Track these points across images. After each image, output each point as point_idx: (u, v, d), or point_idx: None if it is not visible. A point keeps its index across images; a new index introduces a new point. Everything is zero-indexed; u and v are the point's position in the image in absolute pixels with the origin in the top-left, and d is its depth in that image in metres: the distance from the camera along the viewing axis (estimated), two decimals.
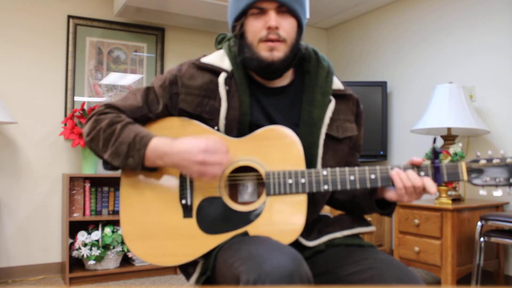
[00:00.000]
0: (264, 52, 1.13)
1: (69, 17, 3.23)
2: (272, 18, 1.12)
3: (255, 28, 1.14)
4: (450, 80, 3.05)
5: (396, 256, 2.76)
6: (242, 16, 1.16)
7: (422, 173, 1.10)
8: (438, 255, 2.52)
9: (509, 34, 2.81)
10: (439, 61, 3.26)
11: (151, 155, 1.09)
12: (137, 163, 1.10)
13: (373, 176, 1.11)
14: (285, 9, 1.13)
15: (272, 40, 1.13)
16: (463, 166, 1.09)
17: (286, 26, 1.14)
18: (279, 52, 1.14)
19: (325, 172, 1.11)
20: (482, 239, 2.44)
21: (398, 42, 3.60)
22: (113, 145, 1.12)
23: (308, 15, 3.35)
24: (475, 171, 1.09)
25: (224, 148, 1.08)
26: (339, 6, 3.77)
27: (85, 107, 3.23)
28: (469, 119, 2.69)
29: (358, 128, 1.29)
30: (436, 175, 1.09)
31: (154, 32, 3.54)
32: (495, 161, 1.08)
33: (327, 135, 1.19)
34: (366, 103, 3.49)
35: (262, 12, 1.13)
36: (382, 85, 3.55)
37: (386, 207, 1.21)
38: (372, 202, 1.19)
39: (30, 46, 3.11)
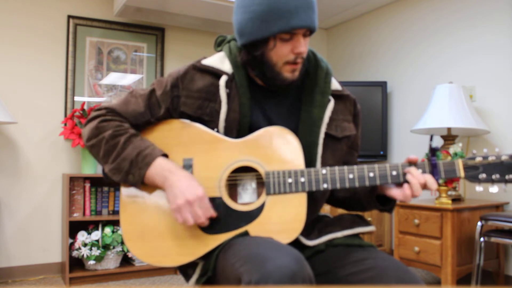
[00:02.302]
0: (287, 73, 1.15)
1: (69, 17, 3.23)
2: (302, 44, 1.12)
3: (283, 52, 1.13)
4: (450, 80, 3.05)
5: (396, 256, 2.76)
6: (270, 38, 1.12)
7: (420, 171, 1.11)
8: (438, 255, 2.52)
9: (509, 34, 2.81)
10: (439, 61, 3.26)
11: (151, 175, 1.11)
12: (136, 181, 1.12)
13: (371, 174, 1.12)
14: (308, 32, 1.14)
15: (297, 63, 1.14)
16: (459, 163, 1.11)
17: (307, 47, 1.16)
18: (298, 71, 1.17)
19: (324, 171, 1.12)
20: (482, 239, 2.44)
21: (398, 42, 3.60)
22: (114, 160, 1.13)
23: None
24: (471, 168, 1.11)
25: (209, 212, 1.08)
26: (339, 6, 3.78)
27: (85, 107, 3.23)
28: (469, 119, 2.69)
29: (356, 128, 1.30)
30: (434, 172, 1.11)
31: (154, 32, 3.54)
32: (490, 158, 1.10)
33: (326, 134, 1.20)
34: (366, 103, 3.49)
35: (292, 36, 1.12)
36: (382, 85, 3.55)
37: (386, 203, 1.21)
38: (373, 198, 1.20)
39: (30, 46, 3.11)
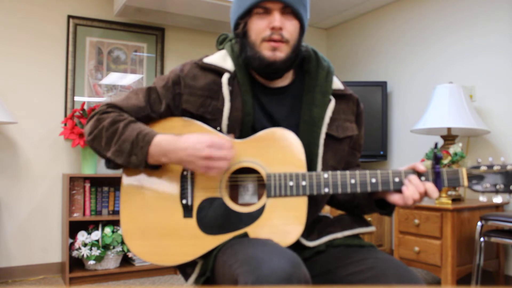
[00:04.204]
0: (266, 51, 1.14)
1: (69, 17, 3.23)
2: (277, 18, 1.12)
3: (259, 27, 1.14)
4: (450, 80, 3.05)
5: (396, 256, 2.76)
6: (246, 14, 1.16)
7: (423, 178, 1.10)
8: (438, 255, 2.52)
9: (509, 33, 2.81)
10: (439, 61, 3.26)
11: (155, 152, 1.09)
12: (140, 161, 1.10)
13: (373, 180, 1.11)
14: (289, 11, 1.14)
15: (275, 40, 1.13)
16: (463, 172, 1.09)
17: (290, 28, 1.14)
18: (282, 52, 1.14)
19: (326, 175, 1.11)
20: (482, 239, 2.44)
21: (398, 42, 3.60)
22: (116, 143, 1.12)
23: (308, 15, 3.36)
24: (475, 177, 1.09)
25: (229, 143, 1.08)
26: (339, 6, 3.77)
27: (85, 107, 3.23)
28: (469, 119, 2.69)
29: (359, 128, 1.29)
30: (437, 180, 1.09)
31: (154, 32, 3.54)
32: (495, 167, 1.08)
33: (327, 134, 1.19)
34: (366, 103, 3.49)
35: (267, 12, 1.14)
36: (382, 85, 3.55)
37: (385, 207, 1.21)
38: (371, 203, 1.19)
39: (30, 46, 3.11)
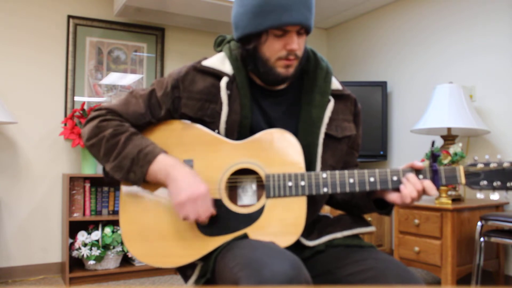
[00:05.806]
0: (280, 69, 1.15)
1: (69, 17, 3.23)
2: (295, 41, 1.12)
3: (275, 47, 1.13)
4: (450, 80, 3.05)
5: (396, 256, 2.76)
6: (263, 33, 1.13)
7: (421, 176, 1.11)
8: (438, 255, 2.52)
9: (509, 33, 2.81)
10: (439, 61, 3.26)
11: (154, 172, 1.10)
12: (138, 179, 1.11)
13: (372, 179, 1.11)
14: (303, 31, 1.14)
15: (290, 59, 1.14)
16: (461, 169, 1.10)
17: (302, 45, 1.16)
18: (293, 68, 1.16)
19: (324, 175, 1.11)
20: (482, 239, 2.44)
21: (398, 42, 3.60)
22: (116, 158, 1.12)
23: None
24: (472, 174, 1.10)
25: (210, 211, 1.08)
26: (339, 6, 3.77)
27: (85, 107, 3.23)
28: (469, 119, 2.69)
29: (356, 127, 1.29)
30: (435, 178, 1.10)
31: (154, 32, 3.54)
32: (492, 165, 1.09)
33: (326, 134, 1.19)
34: (366, 103, 3.49)
35: (284, 32, 1.12)
36: (382, 85, 3.54)
37: (384, 207, 1.21)
38: (370, 202, 1.19)
39: (30, 46, 3.11)
